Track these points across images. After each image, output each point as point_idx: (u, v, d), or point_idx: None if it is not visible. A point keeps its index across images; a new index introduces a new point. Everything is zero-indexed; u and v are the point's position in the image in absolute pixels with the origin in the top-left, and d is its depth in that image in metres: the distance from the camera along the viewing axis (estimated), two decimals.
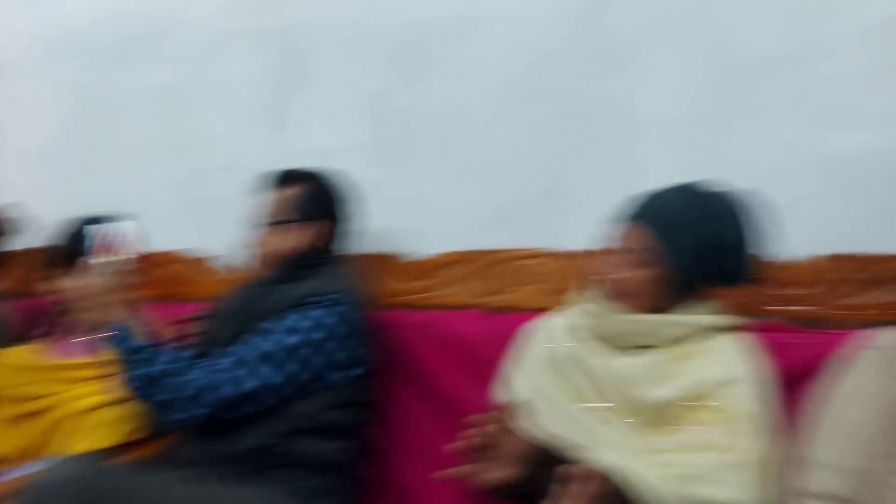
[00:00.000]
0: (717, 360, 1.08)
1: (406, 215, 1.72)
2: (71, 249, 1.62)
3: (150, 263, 1.88)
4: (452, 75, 1.72)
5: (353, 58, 1.84)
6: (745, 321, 1.18)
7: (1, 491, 1.37)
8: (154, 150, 2.12)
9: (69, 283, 1.47)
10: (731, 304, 1.21)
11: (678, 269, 1.10)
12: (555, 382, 1.16)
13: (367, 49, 1.83)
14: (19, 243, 1.97)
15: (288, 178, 1.54)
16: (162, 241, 1.91)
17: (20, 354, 1.65)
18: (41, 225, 1.91)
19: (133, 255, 1.46)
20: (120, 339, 1.31)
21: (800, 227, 1.29)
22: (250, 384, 1.29)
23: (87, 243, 1.47)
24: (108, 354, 1.33)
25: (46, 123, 2.30)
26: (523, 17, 1.66)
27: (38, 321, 1.74)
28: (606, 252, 1.18)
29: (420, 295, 1.66)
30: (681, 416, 1.05)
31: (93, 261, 1.40)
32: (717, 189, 1.15)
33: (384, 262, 1.70)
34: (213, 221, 1.95)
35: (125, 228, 1.48)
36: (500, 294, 1.60)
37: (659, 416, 1.07)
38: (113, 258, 1.40)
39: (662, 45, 1.50)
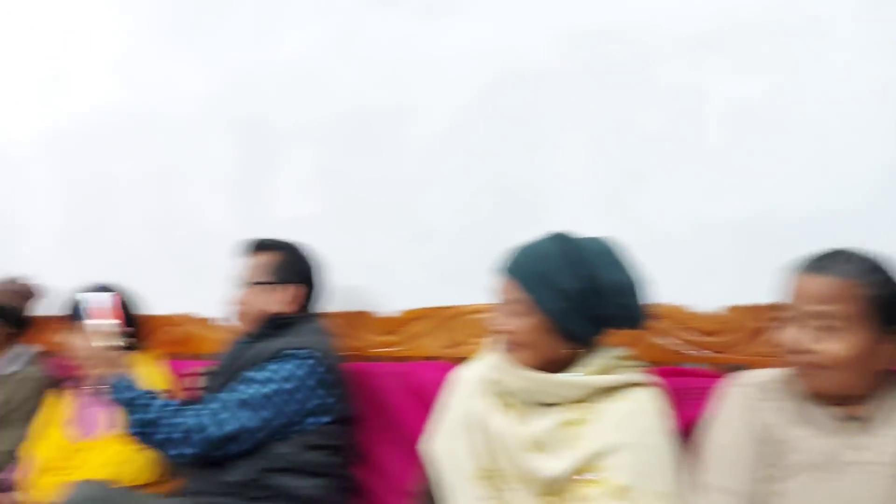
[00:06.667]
0: (608, 426, 1.00)
1: (367, 276, 1.83)
2: (75, 315, 1.69)
3: (158, 325, 2.00)
4: (397, 153, 1.84)
5: (311, 140, 1.98)
6: (653, 370, 1.12)
7: None
8: (149, 226, 2.25)
9: (77, 344, 1.52)
10: (640, 352, 1.18)
11: (552, 315, 1.05)
12: (464, 448, 1.10)
13: (322, 133, 1.95)
14: (40, 309, 2.10)
15: (262, 245, 1.65)
16: (165, 305, 2.03)
17: (57, 435, 1.74)
18: (57, 294, 2.03)
19: (117, 320, 1.50)
20: (119, 390, 1.38)
21: (704, 282, 1.39)
22: (231, 427, 1.37)
23: (81, 309, 1.52)
24: (121, 421, 1.39)
25: (54, 207, 2.44)
26: (448, 105, 1.78)
27: (67, 375, 1.86)
28: (497, 305, 1.14)
29: (388, 349, 1.72)
30: (570, 490, 0.98)
31: (88, 325, 1.47)
32: (585, 236, 1.11)
33: (353, 319, 1.79)
34: (205, 286, 2.06)
35: (106, 297, 1.52)
36: (461, 346, 1.63)
37: (551, 488, 1.00)
38: (104, 322, 1.46)
39: (570, 126, 1.61)
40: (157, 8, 2.27)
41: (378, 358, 1.74)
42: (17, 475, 1.72)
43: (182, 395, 1.66)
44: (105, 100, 2.34)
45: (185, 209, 2.19)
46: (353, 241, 1.85)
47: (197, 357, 1.96)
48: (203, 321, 2.04)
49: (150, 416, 1.36)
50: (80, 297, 1.49)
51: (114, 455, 1.62)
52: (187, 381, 1.76)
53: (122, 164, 2.30)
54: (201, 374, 1.72)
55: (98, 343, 1.42)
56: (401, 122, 1.83)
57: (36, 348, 2.03)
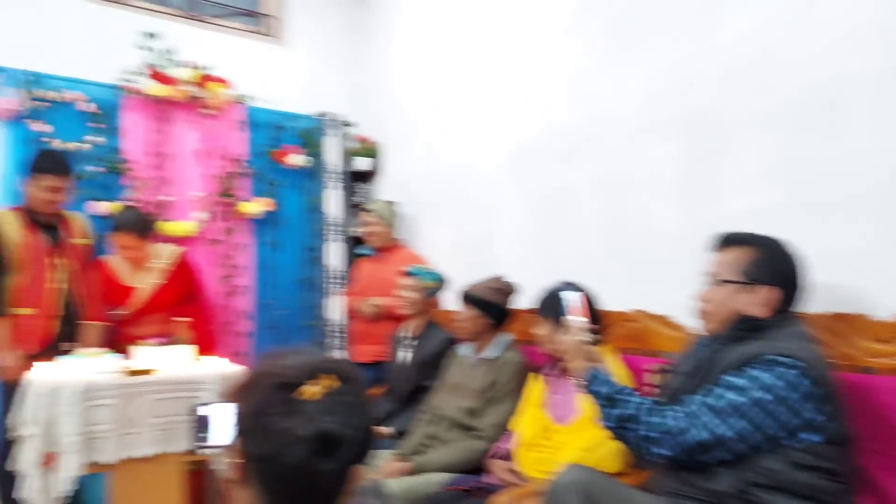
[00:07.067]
0: None
1: (852, 273, 1.55)
2: (551, 310, 1.88)
3: (613, 321, 2.09)
4: (873, 128, 1.51)
5: (767, 125, 1.78)
6: None
7: (525, 492, 1.70)
8: (600, 228, 2.37)
9: (558, 337, 1.63)
10: None
11: None
12: None
13: (780, 114, 1.74)
14: (514, 303, 2.39)
15: (733, 240, 1.49)
16: (616, 302, 2.10)
17: (535, 415, 1.95)
18: (526, 290, 2.30)
19: (587, 316, 1.57)
20: (597, 383, 1.44)
21: None
22: (704, 434, 1.30)
23: (563, 306, 1.62)
24: (593, 411, 1.46)
25: (523, 214, 2.80)
26: None
27: (539, 362, 2.10)
28: None
29: (890, 359, 1.44)
30: None
31: (567, 320, 1.56)
32: None
33: (841, 324, 1.53)
34: (655, 283, 2.07)
35: (579, 295, 1.61)
36: None
37: None
38: (581, 318, 1.55)
39: None
40: (598, 24, 2.40)
41: (876, 370, 1.44)
42: (508, 446, 2.01)
43: (641, 392, 1.68)
44: (560, 117, 2.58)
45: (633, 210, 2.24)
46: (827, 232, 1.59)
47: (652, 354, 1.98)
48: (660, 318, 2.04)
49: (628, 412, 1.38)
50: (563, 295, 1.62)
51: (587, 441, 1.74)
52: (646, 378, 1.78)
53: (575, 173, 2.50)
54: (660, 372, 1.71)
55: (575, 337, 1.53)
56: (878, 90, 1.50)
57: (510, 336, 2.34)
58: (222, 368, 2.38)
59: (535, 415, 1.95)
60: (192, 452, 2.24)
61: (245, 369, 0.79)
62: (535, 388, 2.04)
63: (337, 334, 3.68)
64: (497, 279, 2.36)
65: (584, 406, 1.79)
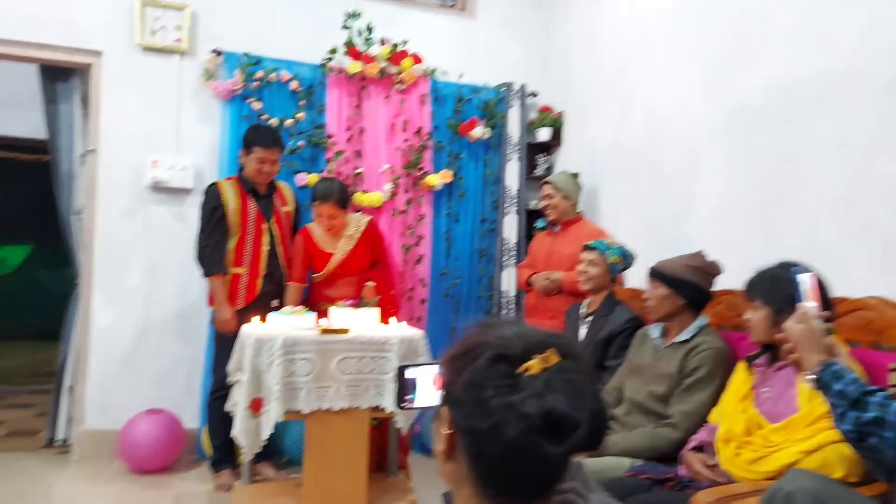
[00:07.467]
0: None
1: None
2: (767, 293, 1.66)
3: (848, 308, 1.77)
4: None
5: None
6: None
7: (735, 493, 1.49)
8: (836, 199, 2.02)
9: (785, 325, 1.35)
10: None
11: None
12: None
13: None
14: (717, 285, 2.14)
15: None
16: (855, 287, 1.77)
17: (740, 408, 1.72)
18: (730, 269, 2.05)
19: (817, 301, 1.34)
20: (832, 378, 1.22)
21: None
22: None
23: (798, 289, 1.37)
24: (822, 409, 1.25)
25: (730, 185, 2.48)
26: None
27: (744, 349, 1.85)
28: None
29: None
30: None
31: (805, 306, 1.34)
32: None
33: None
34: None
35: (810, 277, 1.37)
36: None
37: None
38: (816, 304, 1.33)
39: None
40: None
41: None
42: (706, 438, 1.80)
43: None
44: (782, 73, 2.24)
45: (886, 179, 1.87)
46: None
47: (892, 348, 1.65)
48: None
49: (869, 415, 1.14)
50: (799, 277, 1.39)
51: (808, 443, 1.49)
52: (892, 377, 1.47)
53: (803, 137, 2.16)
54: None
55: (807, 325, 1.30)
56: None
57: (706, 319, 2.10)
58: (405, 332, 2.44)
59: (742, 408, 1.72)
60: (376, 408, 2.34)
61: (459, 338, 0.73)
62: (740, 378, 1.80)
63: (511, 306, 3.63)
64: (697, 256, 2.12)
65: (805, 403, 1.53)
